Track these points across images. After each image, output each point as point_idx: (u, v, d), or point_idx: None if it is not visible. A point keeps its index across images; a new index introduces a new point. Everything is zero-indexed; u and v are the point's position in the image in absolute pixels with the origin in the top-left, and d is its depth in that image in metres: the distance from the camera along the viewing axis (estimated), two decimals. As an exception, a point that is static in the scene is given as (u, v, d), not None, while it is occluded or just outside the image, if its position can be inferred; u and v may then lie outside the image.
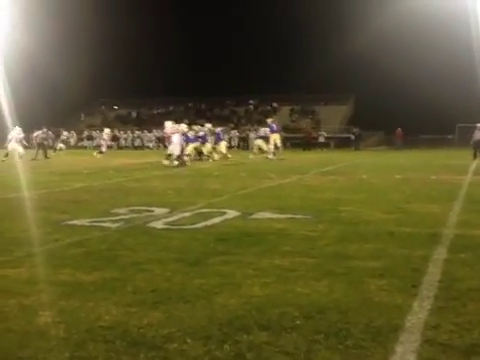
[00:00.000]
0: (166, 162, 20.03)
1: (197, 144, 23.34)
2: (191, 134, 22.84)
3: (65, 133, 45.22)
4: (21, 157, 22.64)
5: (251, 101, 52.19)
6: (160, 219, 7.49)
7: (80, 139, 47.27)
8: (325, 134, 44.29)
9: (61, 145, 34.31)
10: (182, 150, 20.74)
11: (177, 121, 30.81)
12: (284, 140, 30.20)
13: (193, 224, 7.08)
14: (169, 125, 21.86)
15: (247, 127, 45.10)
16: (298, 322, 3.52)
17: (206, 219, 7.43)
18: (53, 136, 33.60)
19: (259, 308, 3.79)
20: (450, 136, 43.26)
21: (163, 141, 43.02)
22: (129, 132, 47.33)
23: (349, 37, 41.92)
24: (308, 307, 3.80)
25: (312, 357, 3.04)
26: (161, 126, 44.55)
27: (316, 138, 43.13)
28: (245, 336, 3.30)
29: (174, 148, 20.33)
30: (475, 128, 24.92)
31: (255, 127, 43.46)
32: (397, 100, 44.67)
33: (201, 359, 3.02)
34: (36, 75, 41.04)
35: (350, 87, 46.59)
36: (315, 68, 41.87)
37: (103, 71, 46.59)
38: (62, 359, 3.02)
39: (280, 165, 20.89)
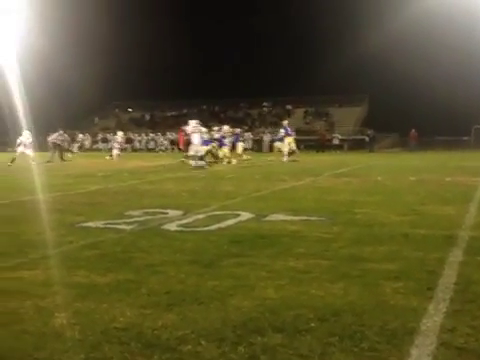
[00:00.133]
0: (192, 162, 19.90)
1: (211, 147, 23.29)
2: (206, 136, 22.74)
3: (81, 136, 45.61)
4: (34, 160, 22.68)
5: (265, 103, 52.20)
6: (174, 221, 7.51)
7: (94, 142, 47.60)
8: (339, 136, 44.16)
9: (76, 148, 34.72)
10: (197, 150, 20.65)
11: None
12: (297, 142, 30.10)
13: (207, 226, 7.08)
14: (192, 124, 21.63)
15: (261, 129, 45.12)
16: (312, 324, 3.51)
17: (220, 221, 7.43)
18: (69, 139, 33.86)
19: (273, 310, 3.78)
20: (466, 138, 42.91)
21: (177, 144, 43.29)
22: (143, 135, 47.54)
23: (362, 38, 41.76)
24: (323, 309, 3.79)
25: (327, 360, 3.03)
26: (175, 129, 45.04)
27: (330, 140, 43.01)
28: (259, 338, 3.29)
29: (196, 148, 20.25)
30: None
31: (269, 129, 43.51)
32: (412, 101, 44.42)
33: (215, 361, 3.03)
34: (51, 78, 41.37)
35: (364, 88, 46.43)
36: (329, 69, 41.77)
37: (117, 74, 46.89)
38: (77, 360, 3.04)
39: (294, 167, 20.85)
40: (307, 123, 47.97)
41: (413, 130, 41.49)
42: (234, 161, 23.12)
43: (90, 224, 7.35)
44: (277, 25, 52.10)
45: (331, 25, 45.94)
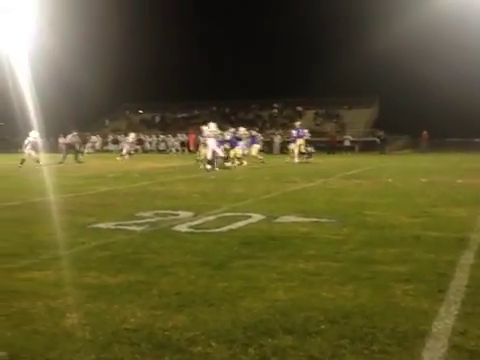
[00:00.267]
0: (208, 166, 19.83)
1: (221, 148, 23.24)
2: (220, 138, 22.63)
3: (94, 138, 45.83)
4: (38, 161, 22.68)
5: (275, 105, 52.16)
6: (185, 222, 7.52)
7: (105, 143, 47.79)
8: (351, 138, 44.03)
9: (88, 149, 34.94)
10: (214, 154, 20.57)
11: (203, 125, 30.84)
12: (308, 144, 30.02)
13: (217, 228, 7.09)
14: (212, 127, 21.50)
15: (271, 131, 45.08)
16: (323, 326, 3.51)
17: (230, 223, 7.43)
18: (80, 140, 34.03)
19: (284, 312, 3.78)
20: (478, 139, 42.58)
21: (188, 145, 43.40)
22: (154, 136, 47.67)
23: (373, 38, 41.59)
24: (333, 311, 3.78)
25: (337, 362, 3.02)
26: (185, 130, 45.14)
27: (341, 142, 42.89)
28: (270, 340, 3.29)
29: (208, 152, 20.22)
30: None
31: (280, 131, 43.47)
32: (423, 102, 44.13)
33: (225, 363, 3.03)
34: (62, 79, 41.55)
35: (375, 89, 46.22)
36: (339, 71, 41.65)
37: (128, 75, 47.04)
38: (88, 361, 3.05)
39: (304, 169, 20.83)
40: (317, 125, 47.82)
41: (424, 132, 41.27)
42: (245, 162, 23.07)
43: (101, 225, 7.38)
44: (287, 26, 52.02)
45: (341, 26, 45.83)
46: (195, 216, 8.16)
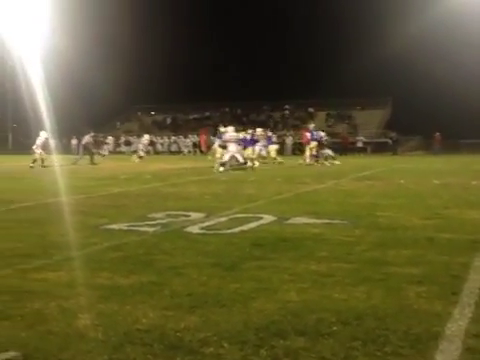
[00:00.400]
0: (221, 168, 19.70)
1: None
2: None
3: (110, 138, 46.06)
4: (43, 161, 22.75)
5: (287, 106, 52.11)
6: (196, 224, 7.53)
7: (117, 144, 48.00)
8: (363, 139, 43.87)
9: (106, 151, 35.29)
10: (233, 158, 20.50)
11: (214, 126, 30.89)
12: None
13: (229, 229, 7.09)
14: (231, 131, 21.38)
15: (283, 132, 45.05)
16: (335, 328, 3.49)
17: (242, 224, 7.43)
18: (93, 141, 34.19)
19: (295, 313, 3.77)
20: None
21: (199, 146, 43.50)
22: (165, 137, 47.82)
23: (385, 39, 41.42)
24: (345, 313, 3.76)
25: (349, 364, 3.01)
26: (197, 131, 45.22)
27: (353, 143, 42.75)
28: (281, 341, 3.29)
29: (227, 155, 20.16)
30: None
31: (291, 132, 43.42)
32: (436, 103, 43.82)
33: (237, 364, 3.03)
34: (74, 80, 41.80)
35: (387, 90, 46.04)
36: (351, 72, 41.52)
37: (140, 76, 47.20)
38: (101, 361, 3.07)
39: (316, 170, 20.79)
40: (329, 126, 47.73)
41: (437, 133, 41.01)
42: (257, 163, 23.01)
43: (113, 226, 7.41)
44: (299, 27, 52.05)
45: (353, 26, 45.72)
46: (207, 217, 8.17)
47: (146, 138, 32.27)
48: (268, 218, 7.99)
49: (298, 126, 45.78)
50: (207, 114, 53.45)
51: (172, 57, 50.11)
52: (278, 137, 43.67)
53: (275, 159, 25.38)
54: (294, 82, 49.01)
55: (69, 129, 42.05)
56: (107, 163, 27.21)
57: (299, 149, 38.54)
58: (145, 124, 53.39)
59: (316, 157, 25.03)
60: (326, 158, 25.11)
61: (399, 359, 3.05)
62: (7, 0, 36.30)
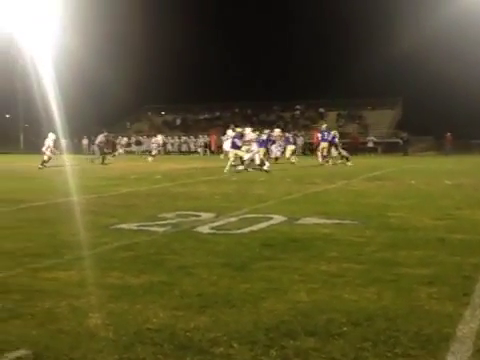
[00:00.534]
0: (240, 167, 19.75)
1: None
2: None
3: (125, 139, 46.23)
4: (44, 163, 22.81)
5: (297, 106, 52.02)
6: (206, 224, 7.54)
7: (128, 144, 48.11)
8: (374, 139, 43.70)
9: (120, 151, 35.58)
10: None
11: (224, 126, 30.88)
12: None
13: (239, 229, 7.09)
14: (248, 131, 21.33)
15: (294, 132, 44.96)
16: (345, 329, 3.48)
17: (252, 224, 7.43)
18: (105, 141, 34.31)
19: (305, 314, 3.77)
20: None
21: (209, 146, 43.53)
22: (176, 137, 47.90)
23: (396, 38, 41.25)
24: (356, 314, 3.75)
25: (360, 365, 3.00)
26: (207, 132, 45.25)
27: (364, 143, 42.60)
28: (291, 342, 3.28)
29: (251, 156, 20.13)
30: None
31: (302, 132, 43.33)
32: (447, 103, 43.61)
33: (247, 364, 3.03)
34: (85, 79, 41.95)
35: (398, 90, 45.84)
36: (362, 72, 41.38)
37: (151, 75, 47.32)
38: (111, 360, 3.08)
39: (326, 170, 20.74)
40: (340, 126, 47.60)
41: (448, 134, 40.73)
42: (267, 164, 22.94)
43: (124, 226, 7.44)
44: (310, 27, 51.93)
45: (364, 26, 45.54)
46: (217, 217, 8.18)
47: (159, 138, 32.76)
48: (278, 218, 7.98)
49: (308, 126, 45.70)
50: (217, 114, 53.47)
51: (182, 57, 50.23)
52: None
53: (288, 159, 25.35)
54: (304, 82, 48.96)
55: (80, 129, 42.22)
56: (117, 163, 27.27)
57: (310, 149, 38.53)
58: (155, 124, 53.49)
59: (326, 157, 24.95)
60: (335, 158, 24.99)
61: (410, 360, 3.04)
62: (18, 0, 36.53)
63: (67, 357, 3.11)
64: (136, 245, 6.14)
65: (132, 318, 3.71)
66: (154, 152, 30.88)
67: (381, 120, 46.88)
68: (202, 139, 45.47)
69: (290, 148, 25.96)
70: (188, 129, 50.98)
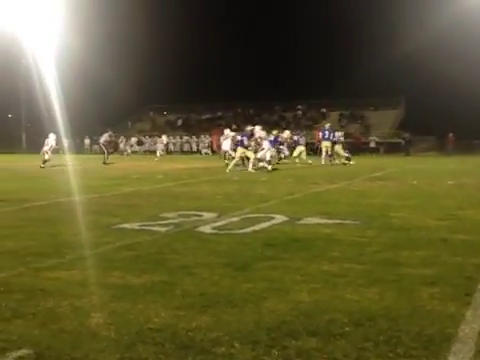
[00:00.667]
0: (269, 167, 19.60)
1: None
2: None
3: (133, 139, 46.27)
4: (44, 163, 22.80)
5: (299, 106, 51.98)
6: (208, 223, 7.54)
7: (130, 145, 48.12)
8: (376, 139, 43.65)
9: (129, 151, 35.88)
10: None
11: (226, 126, 30.87)
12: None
13: (241, 229, 7.09)
14: (258, 129, 21.34)
15: (296, 132, 44.94)
16: (347, 329, 3.48)
17: (254, 224, 7.43)
18: (109, 140, 34.32)
19: (307, 314, 3.76)
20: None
21: (211, 146, 43.50)
22: (178, 137, 47.91)
23: (398, 38, 41.19)
24: (357, 314, 3.75)
25: (361, 365, 3.00)
26: (209, 132, 45.24)
27: (366, 143, 42.55)
28: (293, 342, 3.28)
29: (264, 154, 20.11)
30: None
31: (304, 132, 43.30)
32: (449, 103, 43.53)
33: (249, 364, 3.02)
34: (87, 79, 41.97)
35: (400, 90, 45.77)
36: (364, 72, 41.34)
37: (153, 75, 47.32)
38: (113, 360, 3.08)
39: (328, 170, 20.72)
40: (342, 126, 47.55)
41: (451, 134, 40.67)
42: (269, 167, 22.93)
43: (126, 226, 7.44)
44: (312, 27, 51.89)
45: (366, 26, 45.49)
46: (219, 217, 8.18)
47: (164, 138, 33.26)
48: (280, 218, 7.98)
49: (311, 126, 45.65)
50: (219, 114, 53.45)
51: (185, 56, 50.23)
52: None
53: (295, 158, 25.36)
54: (307, 82, 48.90)
55: (82, 128, 42.25)
56: (120, 163, 27.31)
57: (312, 149, 38.50)
58: (157, 124, 53.50)
59: (331, 156, 25.02)
60: (335, 158, 25.01)
61: (412, 360, 3.03)
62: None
63: (69, 356, 3.11)
64: (138, 245, 6.14)
65: (134, 318, 3.71)
66: (160, 152, 31.38)
67: (383, 120, 46.81)
68: (206, 140, 45.48)
69: (299, 149, 25.97)
70: (190, 129, 50.97)
